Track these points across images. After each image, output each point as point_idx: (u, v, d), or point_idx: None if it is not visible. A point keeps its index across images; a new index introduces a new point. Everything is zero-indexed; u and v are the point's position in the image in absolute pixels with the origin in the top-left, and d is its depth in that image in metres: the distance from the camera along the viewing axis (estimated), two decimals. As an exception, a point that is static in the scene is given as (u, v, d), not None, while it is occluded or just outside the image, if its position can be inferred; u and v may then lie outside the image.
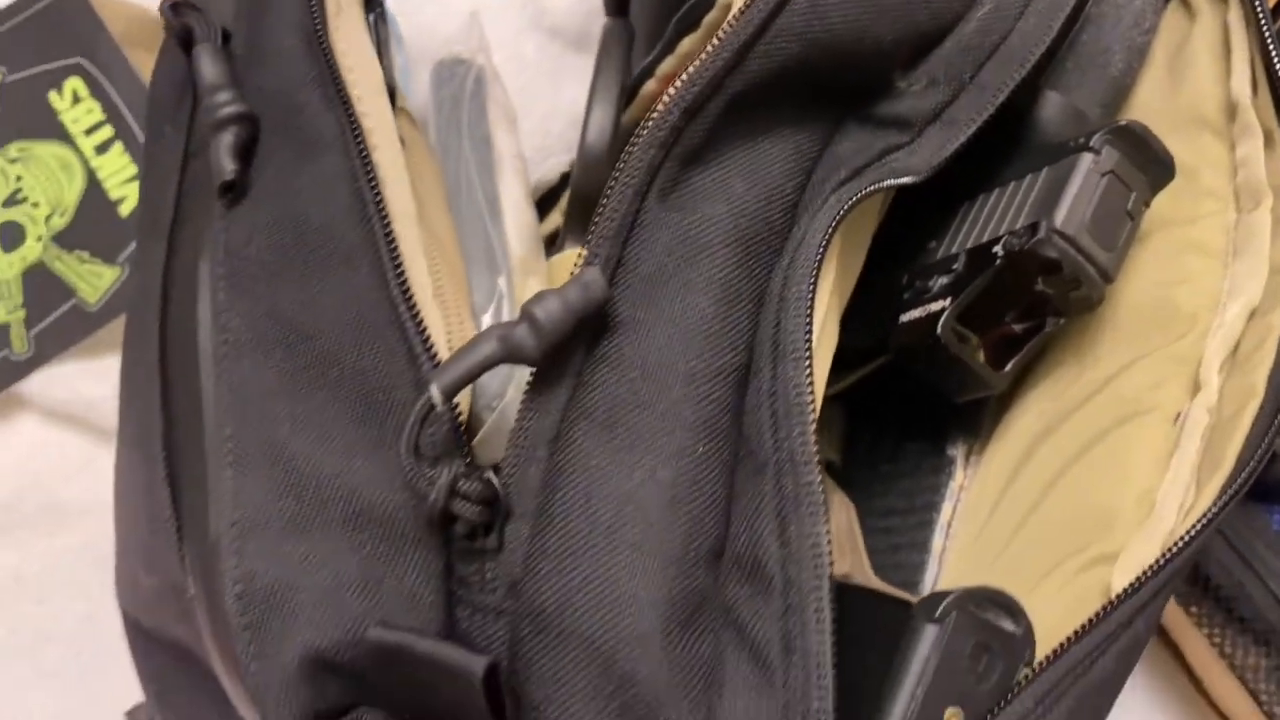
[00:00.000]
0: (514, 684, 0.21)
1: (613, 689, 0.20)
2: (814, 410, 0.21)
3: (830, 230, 0.23)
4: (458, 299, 0.25)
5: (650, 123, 0.22)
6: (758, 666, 0.20)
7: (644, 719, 0.20)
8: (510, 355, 0.21)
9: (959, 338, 0.28)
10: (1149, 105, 0.31)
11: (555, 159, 0.38)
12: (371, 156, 0.24)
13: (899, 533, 0.31)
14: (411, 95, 0.32)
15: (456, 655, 0.20)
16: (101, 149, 0.43)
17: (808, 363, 0.22)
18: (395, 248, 0.23)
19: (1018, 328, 0.28)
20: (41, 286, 0.42)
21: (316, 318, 0.24)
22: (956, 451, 0.31)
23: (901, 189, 0.30)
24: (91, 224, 0.43)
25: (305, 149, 0.25)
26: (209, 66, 0.26)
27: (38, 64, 0.44)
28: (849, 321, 0.30)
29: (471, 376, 0.21)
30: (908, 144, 0.26)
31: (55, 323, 0.42)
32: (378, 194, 0.24)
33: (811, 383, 0.21)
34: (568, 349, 0.21)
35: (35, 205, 0.43)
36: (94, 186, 0.43)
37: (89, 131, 0.43)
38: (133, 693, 0.38)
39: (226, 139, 0.25)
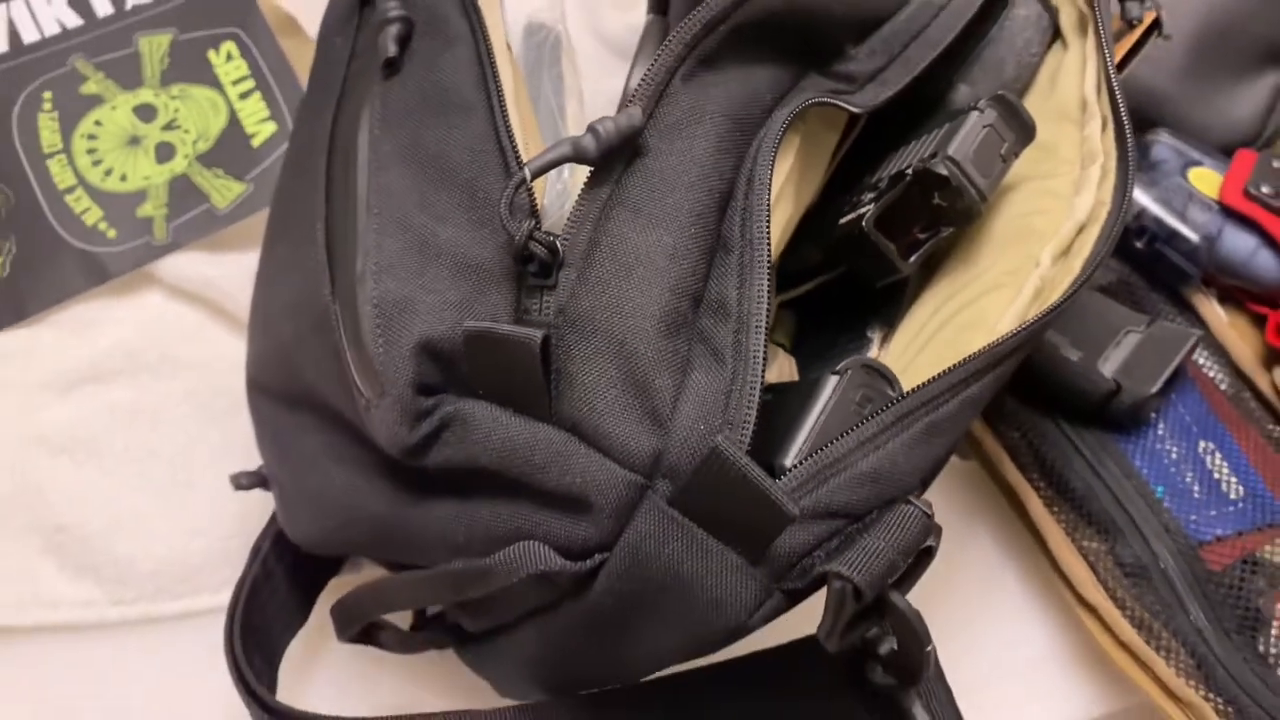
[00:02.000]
0: (558, 365, 0.31)
1: (622, 360, 0.30)
2: (769, 221, 0.33)
3: (790, 115, 0.34)
4: (534, 151, 0.37)
5: (681, 29, 0.34)
6: (715, 359, 0.31)
7: (638, 379, 0.30)
8: (577, 156, 0.32)
9: (880, 238, 0.39)
10: (1033, 106, 0.43)
11: (598, 125, 0.50)
12: (492, 52, 0.36)
13: (828, 385, 0.41)
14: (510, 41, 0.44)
15: (522, 331, 0.30)
16: (244, 96, 0.55)
17: (767, 192, 0.33)
18: (504, 105, 0.35)
19: (921, 235, 0.40)
20: (183, 192, 0.53)
21: (443, 145, 0.35)
22: (874, 334, 0.42)
23: (855, 152, 0.42)
24: (228, 150, 0.54)
25: (445, 43, 0.37)
26: (384, -15, 0.38)
27: (202, 28, 0.57)
28: (804, 242, 0.42)
29: (551, 165, 0.32)
30: (852, 92, 0.38)
31: (190, 220, 0.53)
32: (495, 72, 0.36)
33: (769, 204, 0.33)
34: (613, 160, 0.32)
35: (186, 132, 0.55)
36: (234, 123, 0.55)
37: (236, 82, 0.56)
38: (217, 503, 0.48)
39: (392, 30, 0.37)
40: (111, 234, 0.52)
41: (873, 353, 0.42)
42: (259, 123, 0.55)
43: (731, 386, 0.30)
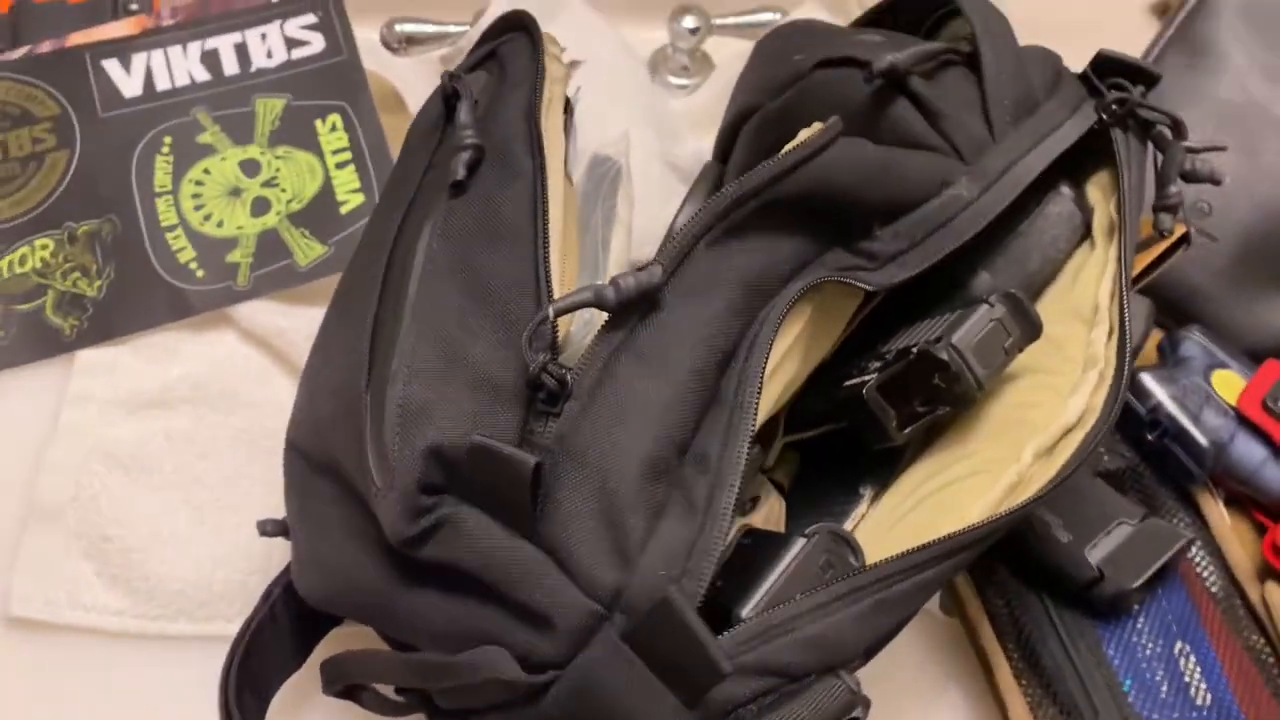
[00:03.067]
0: (547, 488, 0.34)
1: (604, 497, 0.33)
2: (760, 387, 0.35)
3: (802, 290, 0.37)
4: (568, 285, 0.40)
5: (712, 201, 0.37)
6: (689, 509, 0.34)
7: (615, 517, 0.33)
8: (597, 302, 0.35)
9: (880, 406, 0.42)
10: (1052, 299, 0.46)
11: (649, 247, 0.54)
12: (546, 191, 0.40)
13: (811, 534, 0.44)
14: (573, 169, 0.48)
15: (520, 454, 0.34)
16: (340, 166, 0.60)
17: (765, 359, 0.36)
18: (547, 241, 0.39)
19: (920, 409, 0.42)
20: (270, 245, 0.58)
21: (488, 268, 0.39)
22: (867, 491, 0.44)
23: (873, 316, 0.45)
24: (317, 214, 0.59)
25: (508, 177, 0.41)
26: (464, 114, 0.42)
27: (314, 98, 0.62)
28: (816, 392, 0.44)
29: (574, 308, 0.35)
30: (872, 269, 0.41)
31: (272, 272, 0.58)
32: (546, 211, 0.39)
33: (764, 371, 0.36)
34: (630, 310, 0.36)
35: (283, 190, 0.60)
36: (327, 189, 0.60)
37: (335, 152, 0.61)
38: (246, 538, 0.52)
39: (464, 156, 0.41)
40: (200, 274, 0.57)
41: (861, 509, 0.44)
42: (349, 192, 0.59)
43: (697, 539, 0.33)
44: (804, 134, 0.40)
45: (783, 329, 0.38)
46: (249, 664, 0.43)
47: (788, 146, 0.39)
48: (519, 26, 0.46)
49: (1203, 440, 0.51)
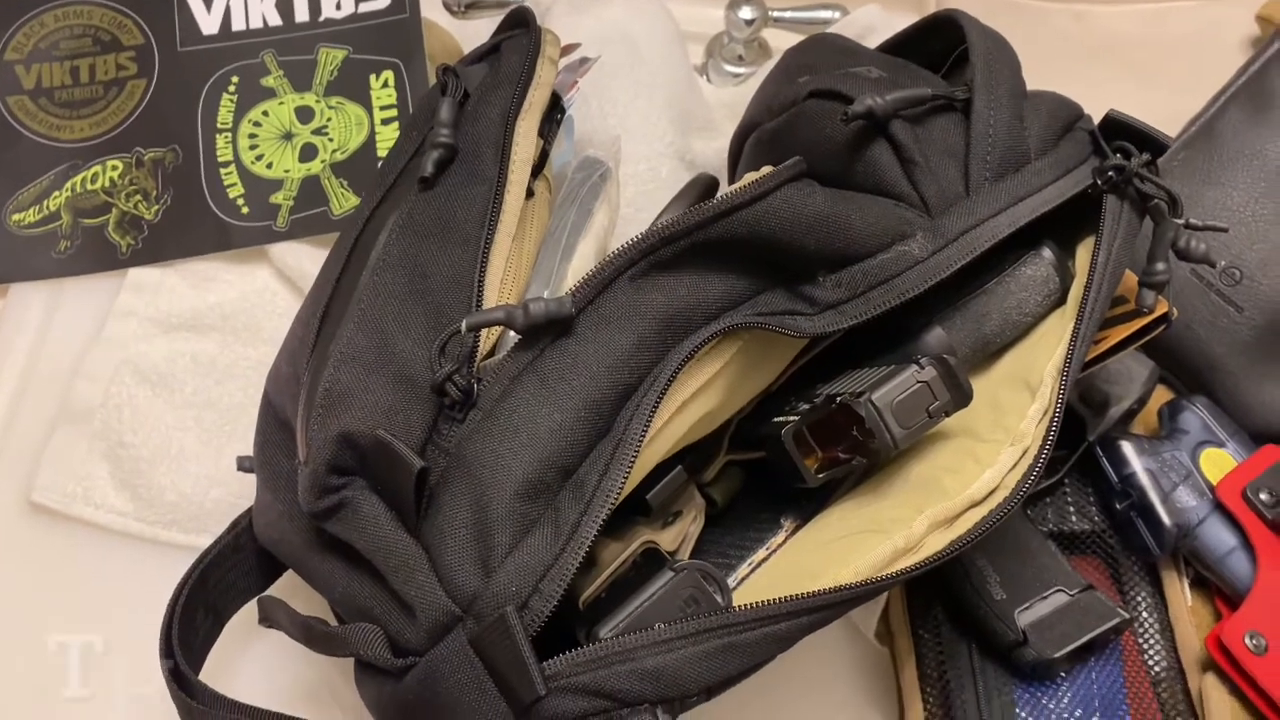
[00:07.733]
0: (434, 489, 0.37)
1: (478, 509, 0.36)
2: (647, 425, 0.37)
3: (713, 333, 0.38)
4: (513, 290, 0.42)
5: (640, 238, 0.38)
6: (554, 532, 0.36)
7: (485, 530, 0.36)
8: (506, 322, 0.37)
9: (803, 445, 0.43)
10: (1011, 361, 0.45)
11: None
12: (504, 197, 0.42)
13: (723, 555, 0.45)
14: (561, 166, 0.50)
15: (409, 456, 0.36)
16: (386, 123, 0.63)
17: (658, 399, 0.37)
18: (490, 249, 0.41)
19: (843, 455, 0.42)
20: (310, 191, 0.62)
21: (433, 266, 0.41)
22: (787, 522, 0.45)
23: (825, 353, 0.45)
24: (358, 166, 0.62)
25: (472, 179, 0.43)
26: (445, 110, 0.44)
27: (372, 54, 0.65)
28: (761, 417, 0.45)
29: (485, 324, 0.37)
30: (809, 315, 0.41)
31: (308, 217, 0.61)
32: (496, 217, 0.41)
33: (653, 410, 0.37)
34: (540, 333, 0.38)
35: (330, 140, 0.63)
36: (370, 144, 0.63)
37: (383, 108, 0.63)
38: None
39: (434, 154, 0.43)
40: (245, 210, 0.61)
41: (778, 539, 0.45)
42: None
43: (554, 562, 0.35)
44: (749, 177, 0.40)
45: (698, 365, 0.39)
46: (206, 583, 0.47)
47: (732, 188, 0.40)
48: (522, 23, 0.47)
49: (1166, 519, 0.50)
